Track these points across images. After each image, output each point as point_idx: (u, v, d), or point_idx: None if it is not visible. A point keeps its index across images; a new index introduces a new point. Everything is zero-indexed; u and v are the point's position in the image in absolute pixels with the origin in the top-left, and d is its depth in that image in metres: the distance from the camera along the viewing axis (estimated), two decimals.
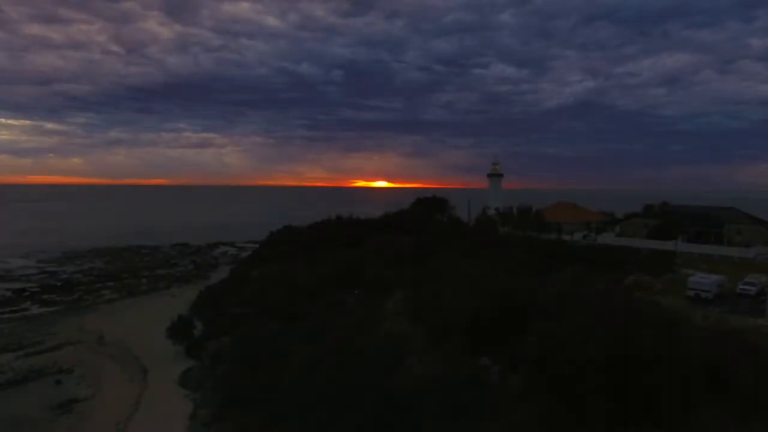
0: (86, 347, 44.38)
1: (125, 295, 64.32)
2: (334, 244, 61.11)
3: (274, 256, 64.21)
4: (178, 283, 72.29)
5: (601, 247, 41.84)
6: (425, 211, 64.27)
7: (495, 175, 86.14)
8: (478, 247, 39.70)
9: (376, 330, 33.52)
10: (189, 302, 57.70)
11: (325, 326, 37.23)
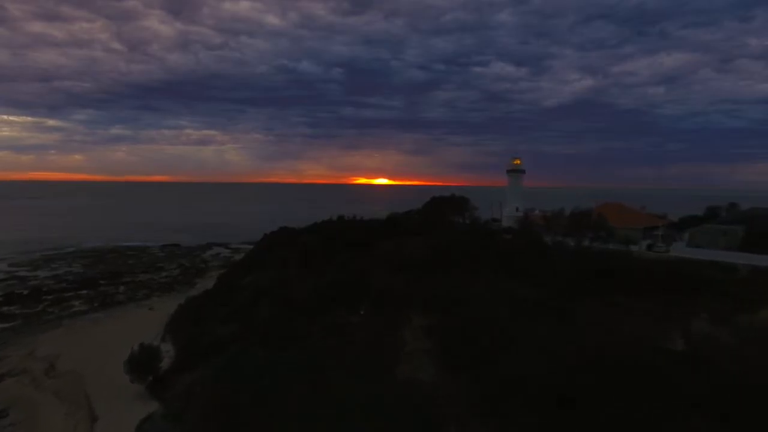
0: (30, 380, 36.21)
1: (96, 307, 56.22)
2: (335, 248, 52.79)
3: (268, 262, 56.00)
4: (160, 291, 64.21)
5: (679, 262, 32.78)
6: (442, 211, 55.74)
7: (515, 171, 77.37)
8: (522, 258, 31.06)
9: (392, 372, 25.12)
10: (168, 316, 49.66)
11: (326, 360, 28.97)
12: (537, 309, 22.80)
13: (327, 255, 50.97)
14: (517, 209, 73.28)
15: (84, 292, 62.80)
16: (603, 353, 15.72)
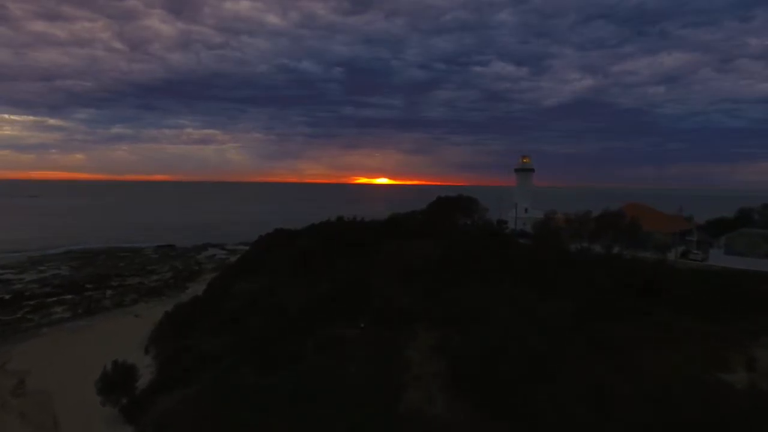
0: None
1: (80, 314, 52.79)
2: (333, 252, 49.24)
3: (261, 267, 52.46)
4: (149, 296, 60.75)
5: (724, 273, 28.60)
6: (448, 212, 52.07)
7: (524, 170, 73.70)
8: (546, 268, 27.28)
9: (394, 402, 21.54)
10: (154, 324, 46.23)
11: (320, 384, 25.42)
12: (573, 331, 19.23)
13: (325, 259, 47.43)
14: (526, 210, 69.77)
15: (68, 297, 59.41)
16: (666, 399, 12.16)
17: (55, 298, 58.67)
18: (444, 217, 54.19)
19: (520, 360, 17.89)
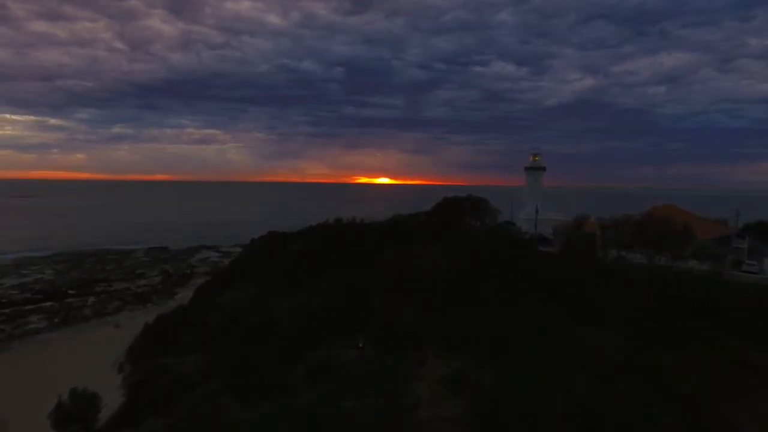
0: None
1: (56, 324, 48.81)
2: (330, 259, 45.12)
3: (252, 273, 48.37)
4: (134, 303, 56.77)
5: None
6: (456, 214, 47.83)
7: (535, 169, 69.36)
8: (583, 285, 22.79)
9: None
10: (134, 336, 42.09)
11: (310, 425, 21.23)
12: (628, 370, 14.99)
13: (320, 266, 43.29)
14: (537, 211, 65.41)
15: (47, 304, 55.43)
16: None
17: (33, 306, 54.70)
18: (452, 219, 49.91)
19: (565, 410, 13.62)
